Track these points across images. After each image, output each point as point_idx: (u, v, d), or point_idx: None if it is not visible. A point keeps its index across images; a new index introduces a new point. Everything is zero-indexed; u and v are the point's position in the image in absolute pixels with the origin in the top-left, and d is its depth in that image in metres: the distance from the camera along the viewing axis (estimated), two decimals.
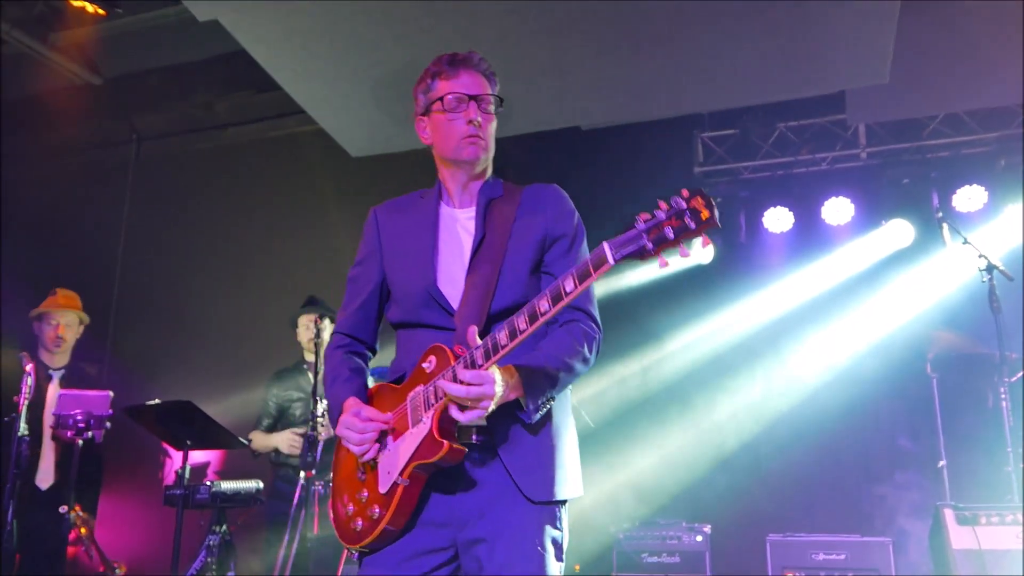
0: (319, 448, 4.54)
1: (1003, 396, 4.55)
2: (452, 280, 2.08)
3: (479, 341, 1.90)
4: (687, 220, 1.64)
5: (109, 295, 6.18)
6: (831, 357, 5.91)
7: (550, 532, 2.00)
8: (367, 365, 2.24)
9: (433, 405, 1.94)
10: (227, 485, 4.53)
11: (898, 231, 6.09)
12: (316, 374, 4.71)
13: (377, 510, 1.96)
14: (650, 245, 1.65)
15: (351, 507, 2.04)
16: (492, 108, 2.15)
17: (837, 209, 6.24)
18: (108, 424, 4.46)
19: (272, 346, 5.33)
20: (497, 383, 1.86)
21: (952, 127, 6.27)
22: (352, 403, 2.07)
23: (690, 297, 6.17)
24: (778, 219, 6.38)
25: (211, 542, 4.41)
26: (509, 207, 2.12)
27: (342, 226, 6.12)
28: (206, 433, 4.51)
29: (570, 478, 2.07)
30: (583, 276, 1.75)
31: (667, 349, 6.22)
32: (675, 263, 6.34)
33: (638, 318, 6.13)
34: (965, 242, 4.71)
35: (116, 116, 6.60)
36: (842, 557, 4.77)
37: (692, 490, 5.71)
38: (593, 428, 5.18)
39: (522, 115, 5.61)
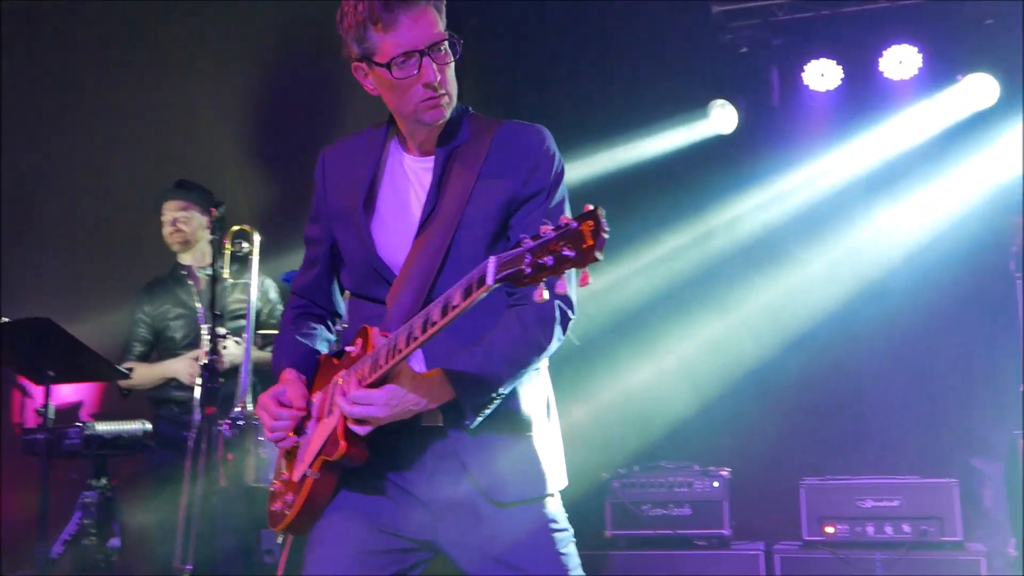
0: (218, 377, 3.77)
1: None
2: (398, 247, 1.97)
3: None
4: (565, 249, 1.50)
5: None
6: (886, 251, 5.10)
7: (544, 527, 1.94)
8: (325, 328, 2.17)
9: None
10: (104, 427, 4.00)
11: (979, 87, 5.09)
12: (215, 280, 3.81)
13: (290, 497, 1.98)
14: (528, 270, 1.54)
15: (277, 485, 2.06)
16: (448, 47, 1.92)
17: (899, 59, 5.22)
18: None
19: (148, 248, 4.36)
20: (391, 400, 1.80)
21: None
22: (285, 376, 2.02)
23: (706, 177, 5.29)
24: (822, 74, 5.37)
25: (87, 499, 3.96)
26: (474, 158, 1.96)
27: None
28: (73, 361, 3.83)
29: (547, 472, 1.95)
30: (467, 293, 1.64)
31: (671, 244, 5.30)
32: (696, 131, 5.17)
33: (635, 207, 5.10)
34: None
35: None
36: (895, 503, 4.35)
37: (702, 421, 4.98)
38: (579, 345, 4.38)
39: None
